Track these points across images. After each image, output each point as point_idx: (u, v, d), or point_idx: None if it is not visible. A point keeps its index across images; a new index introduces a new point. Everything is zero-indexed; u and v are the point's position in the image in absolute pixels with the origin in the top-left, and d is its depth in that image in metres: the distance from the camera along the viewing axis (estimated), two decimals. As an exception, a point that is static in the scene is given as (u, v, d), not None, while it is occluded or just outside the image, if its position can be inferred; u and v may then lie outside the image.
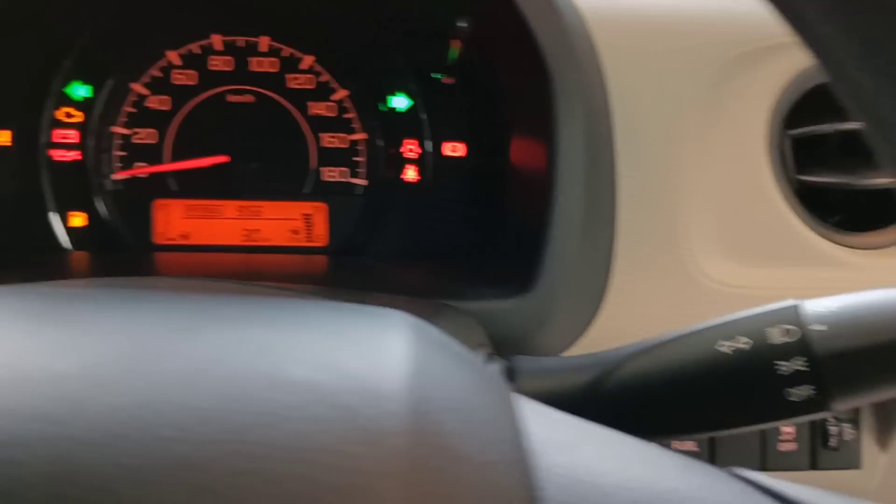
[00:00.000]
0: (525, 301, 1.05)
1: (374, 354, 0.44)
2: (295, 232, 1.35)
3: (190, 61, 1.32)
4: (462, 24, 0.98)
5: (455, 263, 1.31)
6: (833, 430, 1.16)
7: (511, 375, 0.78)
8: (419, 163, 1.36)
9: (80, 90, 1.31)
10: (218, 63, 1.33)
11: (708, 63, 1.20)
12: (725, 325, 0.71)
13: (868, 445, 1.19)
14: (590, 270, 1.12)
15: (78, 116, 1.31)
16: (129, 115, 1.31)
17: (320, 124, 1.34)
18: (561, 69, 1.02)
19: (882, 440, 1.20)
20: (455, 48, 1.17)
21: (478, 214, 1.35)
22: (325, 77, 1.34)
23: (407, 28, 1.32)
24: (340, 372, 0.41)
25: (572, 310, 1.11)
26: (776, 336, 0.67)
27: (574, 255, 1.06)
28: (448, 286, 1.15)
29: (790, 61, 1.17)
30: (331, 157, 1.35)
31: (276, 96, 1.33)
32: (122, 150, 1.31)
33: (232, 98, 1.33)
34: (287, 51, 1.34)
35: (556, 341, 1.11)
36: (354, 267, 1.28)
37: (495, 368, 0.78)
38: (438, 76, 1.26)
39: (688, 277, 1.19)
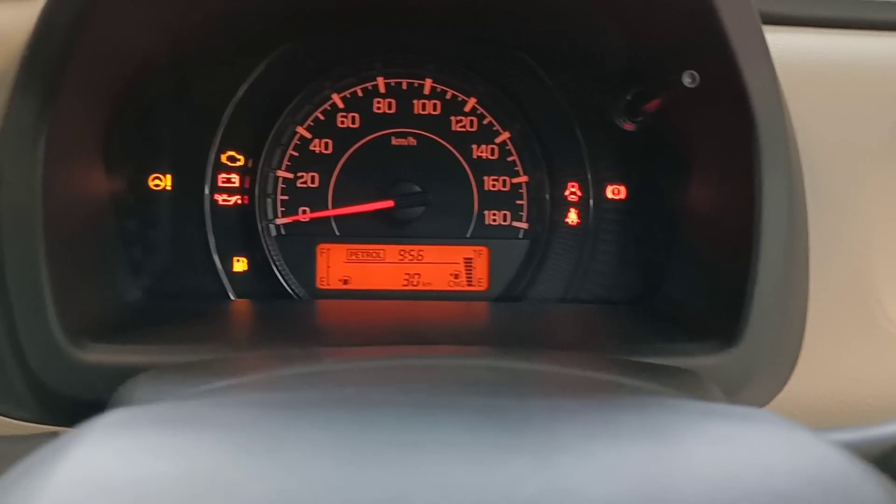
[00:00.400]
0: (731, 355, 1.00)
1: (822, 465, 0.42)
2: (455, 276, 1.32)
3: (353, 104, 1.30)
4: (680, 78, 0.95)
5: (621, 312, 1.27)
6: None
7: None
8: (580, 206, 1.33)
9: (243, 133, 1.29)
10: (381, 105, 1.31)
11: (891, 110, 1.17)
12: None
13: None
14: (791, 322, 1.09)
15: (240, 160, 1.29)
16: (293, 158, 1.29)
17: (483, 167, 1.32)
18: (768, 120, 0.99)
19: None
20: (653, 100, 1.13)
21: (640, 259, 1.31)
22: (488, 119, 1.32)
23: (579, 70, 1.29)
24: (813, 481, 0.39)
25: (776, 363, 1.08)
26: None
27: (779, 305, 1.03)
28: (629, 339, 1.11)
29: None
30: (493, 200, 1.32)
31: (438, 139, 1.31)
32: (284, 193, 1.30)
33: (395, 141, 1.31)
34: (450, 93, 1.32)
35: (759, 397, 1.07)
36: (518, 315, 1.24)
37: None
38: (618, 121, 1.23)
39: (876, 326, 1.15)
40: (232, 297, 1.28)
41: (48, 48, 0.88)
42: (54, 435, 0.86)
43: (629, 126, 1.20)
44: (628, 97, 1.17)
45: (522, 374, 0.77)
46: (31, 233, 0.90)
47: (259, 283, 1.29)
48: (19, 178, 0.90)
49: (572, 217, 1.33)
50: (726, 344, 1.00)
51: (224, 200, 1.28)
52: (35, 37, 0.88)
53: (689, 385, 0.86)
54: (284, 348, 0.92)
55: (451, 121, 1.31)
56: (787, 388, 1.10)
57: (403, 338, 1.04)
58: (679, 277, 1.22)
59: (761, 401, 1.06)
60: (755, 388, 1.04)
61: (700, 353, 1.01)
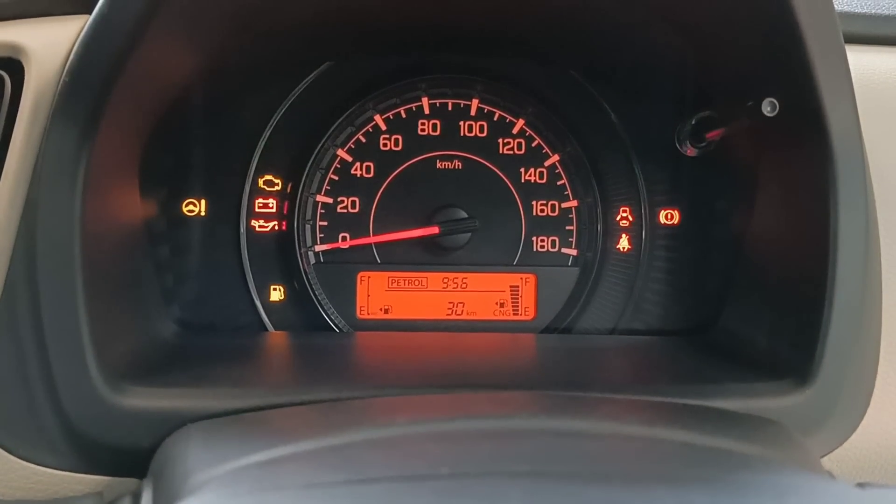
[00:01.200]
0: (805, 396, 0.94)
1: None
2: (501, 305, 1.26)
3: (397, 125, 1.25)
4: (757, 105, 0.89)
5: (677, 345, 1.21)
6: None
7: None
8: (632, 231, 1.27)
9: (281, 156, 1.23)
10: (426, 127, 1.25)
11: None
12: None
13: None
14: (865, 358, 1.02)
15: (278, 184, 1.24)
16: (333, 182, 1.24)
17: (531, 191, 1.26)
18: (846, 153, 0.93)
19: None
20: (721, 127, 1.07)
21: (695, 288, 1.25)
22: (537, 141, 1.26)
23: (634, 90, 1.23)
24: None
25: (850, 403, 1.01)
26: None
27: (854, 340, 0.97)
28: (691, 377, 1.05)
29: None
30: (541, 225, 1.26)
31: (485, 162, 1.25)
32: (324, 219, 1.24)
33: (440, 164, 1.25)
34: (497, 114, 1.26)
35: (831, 440, 1.01)
36: (568, 350, 1.17)
37: None
38: (681, 146, 1.17)
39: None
40: (269, 329, 1.22)
41: (91, 76, 0.82)
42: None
43: (691, 151, 1.14)
44: (693, 121, 1.10)
45: (595, 443, 0.71)
46: (69, 268, 0.85)
47: (296, 312, 1.23)
48: (57, 210, 0.84)
49: (623, 243, 1.27)
50: (799, 383, 0.94)
51: (261, 226, 1.23)
52: (77, 63, 0.82)
53: (778, 441, 0.80)
54: (329, 393, 0.86)
55: (498, 143, 1.26)
56: (859, 429, 1.04)
57: (449, 379, 0.97)
58: (739, 308, 1.16)
59: (833, 444, 1.00)
60: (828, 430, 0.98)
61: (771, 393, 0.94)
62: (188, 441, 0.71)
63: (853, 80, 0.92)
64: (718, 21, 0.96)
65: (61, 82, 0.84)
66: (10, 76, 0.91)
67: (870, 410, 1.04)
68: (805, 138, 0.95)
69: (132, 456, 0.84)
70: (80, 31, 0.89)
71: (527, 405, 0.79)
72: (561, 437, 0.67)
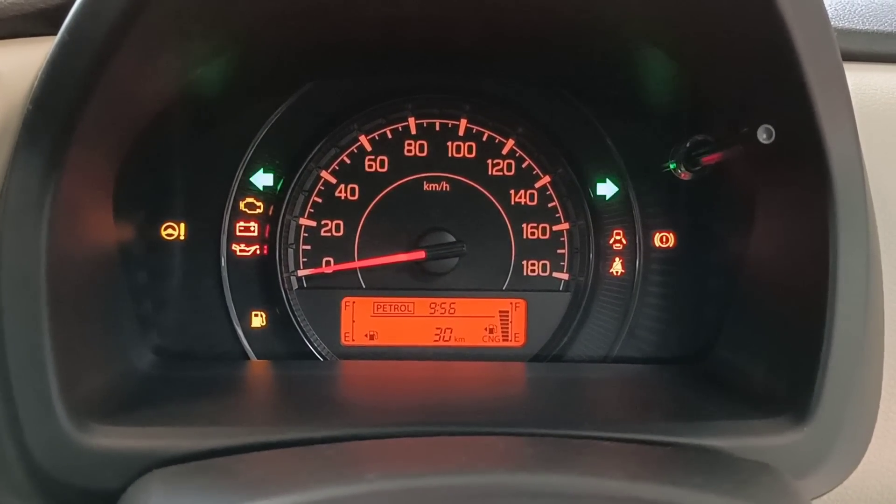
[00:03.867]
0: (803, 434, 0.90)
1: None
2: (490, 331, 1.23)
3: (383, 146, 1.21)
4: (752, 131, 0.86)
5: (671, 374, 1.16)
6: None
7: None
8: (626, 254, 1.23)
9: (263, 178, 1.20)
10: (413, 148, 1.21)
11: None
12: None
13: None
14: (867, 396, 0.98)
15: (259, 207, 1.20)
16: (316, 205, 1.20)
17: (521, 214, 1.22)
18: (846, 180, 0.89)
19: None
20: (715, 152, 1.03)
21: (690, 314, 1.21)
22: (527, 162, 1.23)
23: (628, 110, 1.20)
24: None
25: (851, 441, 0.97)
26: None
27: (855, 375, 0.93)
28: (684, 413, 1.01)
29: None
30: (532, 249, 1.23)
31: (474, 184, 1.22)
32: (307, 243, 1.20)
33: (427, 186, 1.21)
34: (486, 134, 1.22)
35: (828, 480, 0.97)
36: (559, 381, 1.13)
37: None
38: (669, 166, 1.13)
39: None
40: (250, 356, 1.18)
41: (57, 102, 0.78)
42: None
43: (686, 176, 1.10)
44: (687, 144, 1.07)
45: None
46: (34, 302, 0.81)
47: (278, 339, 1.19)
48: (21, 244, 0.80)
49: (617, 267, 1.23)
50: (797, 420, 0.90)
51: (242, 251, 1.19)
52: (43, 87, 0.78)
53: (768, 493, 0.76)
54: (308, 432, 0.82)
55: (487, 164, 1.22)
56: (857, 469, 0.99)
57: (434, 417, 0.92)
58: (736, 336, 1.12)
59: (829, 485, 0.95)
60: (825, 471, 0.93)
61: (766, 431, 0.90)
62: (149, 491, 0.67)
63: (853, 101, 0.88)
64: (710, 42, 0.92)
65: (25, 110, 0.80)
66: (-24, 100, 0.87)
67: (869, 449, 1.00)
68: (804, 164, 0.91)
69: (100, 498, 0.80)
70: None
71: (506, 459, 0.75)
72: (536, 499, 0.63)
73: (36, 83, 0.80)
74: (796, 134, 0.88)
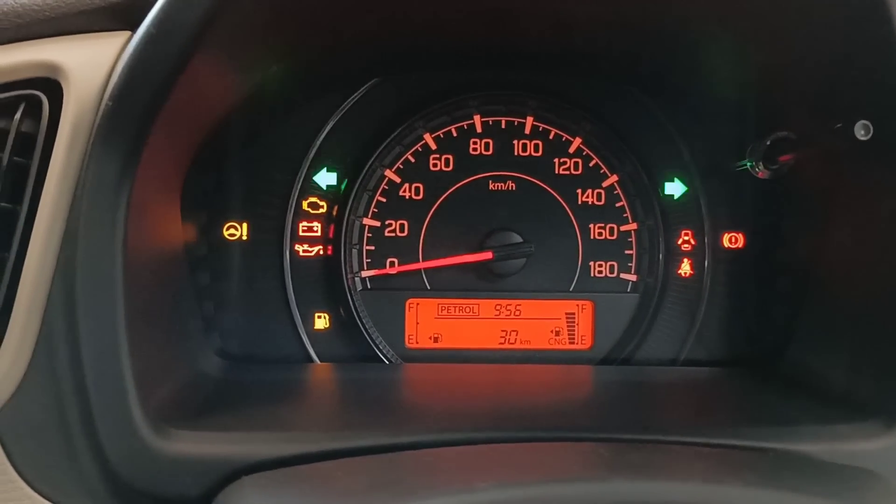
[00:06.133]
0: (893, 438, 0.87)
1: None
2: (556, 333, 1.20)
3: (448, 145, 1.18)
4: (847, 127, 0.82)
5: (743, 378, 1.13)
6: None
7: None
8: (695, 255, 1.20)
9: (326, 178, 1.17)
10: (478, 146, 1.19)
11: None
12: None
13: None
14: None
15: (322, 207, 1.18)
16: (380, 204, 1.18)
17: (589, 214, 1.19)
18: None
19: None
20: (803, 149, 1.00)
21: (761, 315, 1.18)
22: (595, 161, 1.20)
23: (698, 107, 1.16)
24: None
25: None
26: None
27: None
28: (765, 418, 0.97)
29: None
30: (599, 249, 1.20)
31: (540, 183, 1.19)
32: (371, 244, 1.18)
33: (492, 185, 1.18)
34: (553, 132, 1.19)
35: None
36: (628, 386, 1.10)
37: None
38: (745, 165, 1.09)
39: None
40: (313, 359, 1.16)
41: (137, 100, 0.76)
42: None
43: (763, 174, 1.07)
44: (768, 142, 1.03)
45: None
46: (111, 304, 0.78)
47: (342, 341, 1.17)
48: (99, 242, 0.78)
49: (685, 268, 1.20)
50: (889, 424, 0.86)
51: (305, 251, 1.17)
52: (122, 87, 0.76)
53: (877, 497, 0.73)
54: (380, 439, 0.80)
55: (554, 163, 1.19)
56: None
57: (502, 422, 0.89)
58: (812, 338, 1.08)
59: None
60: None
61: (857, 436, 0.86)
62: (245, 498, 0.65)
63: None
64: (803, 32, 0.88)
65: (103, 106, 0.78)
66: (48, 98, 0.85)
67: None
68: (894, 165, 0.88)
69: (177, 505, 0.78)
70: (121, 50, 0.83)
71: (613, 466, 0.72)
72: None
73: (116, 80, 0.77)
74: (892, 131, 0.85)
